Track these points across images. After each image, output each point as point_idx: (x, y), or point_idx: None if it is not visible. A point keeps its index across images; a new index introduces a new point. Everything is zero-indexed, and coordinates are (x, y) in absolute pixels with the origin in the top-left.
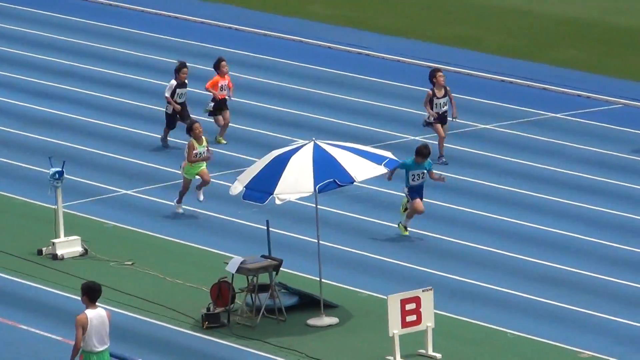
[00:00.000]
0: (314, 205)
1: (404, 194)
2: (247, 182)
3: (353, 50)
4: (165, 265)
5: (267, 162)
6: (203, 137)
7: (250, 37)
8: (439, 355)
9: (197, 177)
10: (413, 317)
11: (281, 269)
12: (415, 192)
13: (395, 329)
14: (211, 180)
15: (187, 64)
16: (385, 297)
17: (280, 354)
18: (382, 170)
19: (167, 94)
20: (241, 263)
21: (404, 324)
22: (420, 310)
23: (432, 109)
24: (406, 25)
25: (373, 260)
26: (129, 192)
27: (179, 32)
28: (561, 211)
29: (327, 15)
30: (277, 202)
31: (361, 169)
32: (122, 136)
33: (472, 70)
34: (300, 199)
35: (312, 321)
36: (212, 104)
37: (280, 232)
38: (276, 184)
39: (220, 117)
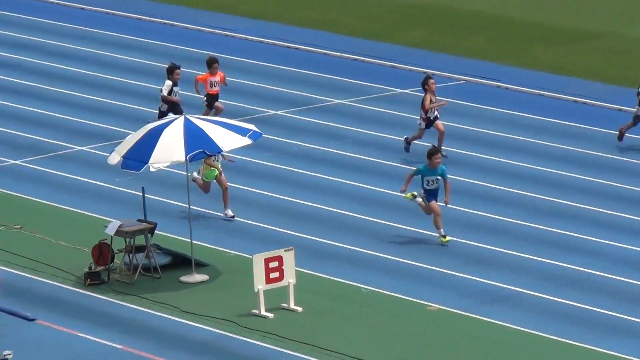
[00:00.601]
0: (185, 173)
1: (401, 194)
2: (124, 152)
3: (219, 33)
4: (50, 229)
5: (142, 135)
6: None
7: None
8: (299, 309)
9: (215, 181)
10: (276, 274)
11: (156, 231)
12: (431, 195)
13: (260, 285)
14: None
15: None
16: (250, 257)
17: (155, 307)
18: (247, 141)
19: (165, 93)
20: (119, 226)
21: (268, 281)
22: (283, 268)
23: (426, 114)
24: (268, 10)
25: (240, 223)
26: (17, 162)
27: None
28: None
29: (197, 2)
30: (152, 169)
31: (228, 140)
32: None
33: (328, 50)
34: (173, 167)
35: (185, 278)
36: (204, 97)
37: (154, 198)
38: (151, 154)
39: (211, 112)
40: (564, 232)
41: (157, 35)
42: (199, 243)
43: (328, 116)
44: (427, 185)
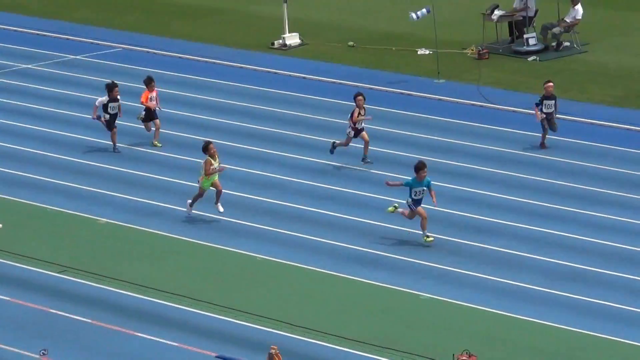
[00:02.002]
0: None
1: (388, 209)
2: None
3: None
4: None
5: None
6: (216, 154)
7: None
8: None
9: (212, 188)
10: None
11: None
12: (418, 202)
13: None
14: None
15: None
16: None
17: None
18: None
19: (98, 105)
20: None
21: None
22: None
23: (354, 125)
24: None
25: None
26: None
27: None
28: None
29: None
30: None
31: None
32: None
33: (17, 27)
34: None
35: None
36: (144, 112)
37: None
38: None
39: (150, 124)
40: None
41: None
42: None
43: (22, 78)
44: (414, 195)
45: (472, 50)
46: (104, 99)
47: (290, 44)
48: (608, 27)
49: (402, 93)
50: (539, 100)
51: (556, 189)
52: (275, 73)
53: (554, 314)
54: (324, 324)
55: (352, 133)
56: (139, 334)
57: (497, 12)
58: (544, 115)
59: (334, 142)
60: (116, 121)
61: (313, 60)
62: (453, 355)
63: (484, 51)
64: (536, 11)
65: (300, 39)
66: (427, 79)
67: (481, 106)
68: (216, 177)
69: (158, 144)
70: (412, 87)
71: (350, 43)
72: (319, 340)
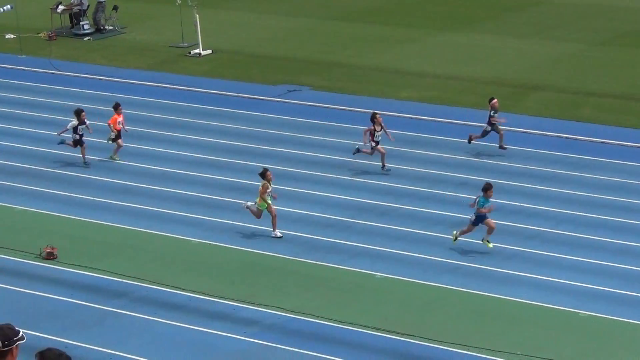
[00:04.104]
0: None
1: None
2: None
3: None
4: None
5: None
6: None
7: None
8: None
9: (267, 211)
10: None
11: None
12: (483, 217)
13: None
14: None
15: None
16: None
17: None
18: None
19: (70, 128)
20: None
21: None
22: None
23: (373, 139)
24: None
25: None
26: None
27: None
28: None
29: None
30: None
31: None
32: None
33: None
34: None
35: None
36: (113, 134)
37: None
38: None
39: (118, 142)
40: None
41: None
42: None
43: None
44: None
45: (44, 34)
46: (74, 122)
47: None
48: (140, 15)
49: None
50: (492, 113)
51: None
52: None
53: None
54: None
55: (374, 144)
56: None
57: (60, 7)
58: (503, 121)
59: (357, 148)
60: (83, 138)
61: None
62: None
63: (53, 35)
64: (88, 5)
65: None
66: (13, 55)
67: (53, 73)
68: (269, 201)
69: (117, 158)
70: (6, 61)
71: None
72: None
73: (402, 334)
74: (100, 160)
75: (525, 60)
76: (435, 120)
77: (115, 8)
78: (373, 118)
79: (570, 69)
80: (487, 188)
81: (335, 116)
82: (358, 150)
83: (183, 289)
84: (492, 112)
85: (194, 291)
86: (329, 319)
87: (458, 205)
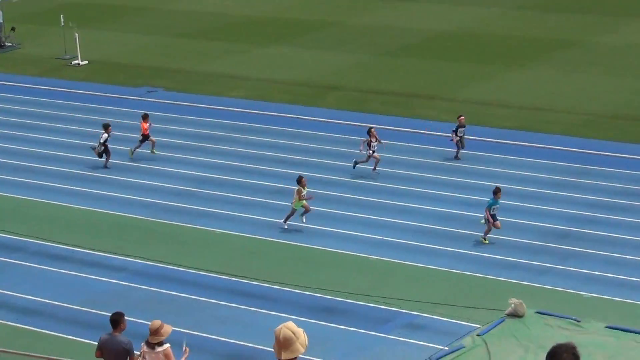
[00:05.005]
0: None
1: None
2: None
3: None
4: None
5: None
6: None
7: None
8: None
9: (302, 207)
10: None
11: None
12: (495, 217)
13: None
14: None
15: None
16: None
17: None
18: None
19: (102, 141)
20: None
21: None
22: None
23: (370, 149)
24: None
25: None
26: None
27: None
28: None
29: None
30: None
31: None
32: None
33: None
34: None
35: None
36: (142, 137)
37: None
38: None
39: (152, 139)
40: None
41: None
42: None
43: None
44: (493, 211)
45: None
46: (105, 135)
47: None
48: (33, 34)
49: None
50: (455, 128)
51: None
52: None
53: None
54: None
55: (371, 152)
56: None
57: None
58: (458, 138)
59: (355, 160)
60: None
61: None
62: None
63: None
64: (1, 23)
65: None
66: None
67: None
68: (305, 201)
69: (155, 152)
70: None
71: None
72: None
73: (234, 275)
74: None
75: (326, 67)
76: (258, 113)
77: (13, 29)
78: (369, 131)
79: (361, 73)
80: (496, 191)
81: (183, 110)
82: (356, 163)
83: (66, 244)
84: (458, 127)
85: (75, 245)
86: (180, 265)
87: (277, 177)
